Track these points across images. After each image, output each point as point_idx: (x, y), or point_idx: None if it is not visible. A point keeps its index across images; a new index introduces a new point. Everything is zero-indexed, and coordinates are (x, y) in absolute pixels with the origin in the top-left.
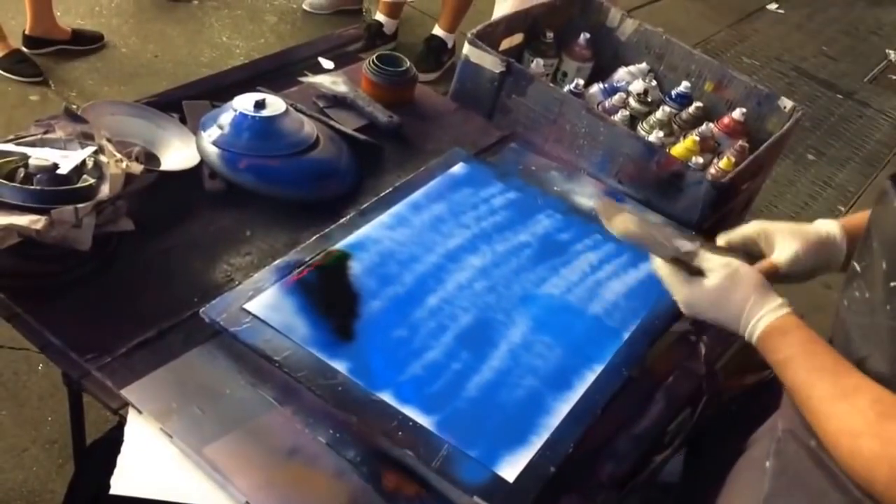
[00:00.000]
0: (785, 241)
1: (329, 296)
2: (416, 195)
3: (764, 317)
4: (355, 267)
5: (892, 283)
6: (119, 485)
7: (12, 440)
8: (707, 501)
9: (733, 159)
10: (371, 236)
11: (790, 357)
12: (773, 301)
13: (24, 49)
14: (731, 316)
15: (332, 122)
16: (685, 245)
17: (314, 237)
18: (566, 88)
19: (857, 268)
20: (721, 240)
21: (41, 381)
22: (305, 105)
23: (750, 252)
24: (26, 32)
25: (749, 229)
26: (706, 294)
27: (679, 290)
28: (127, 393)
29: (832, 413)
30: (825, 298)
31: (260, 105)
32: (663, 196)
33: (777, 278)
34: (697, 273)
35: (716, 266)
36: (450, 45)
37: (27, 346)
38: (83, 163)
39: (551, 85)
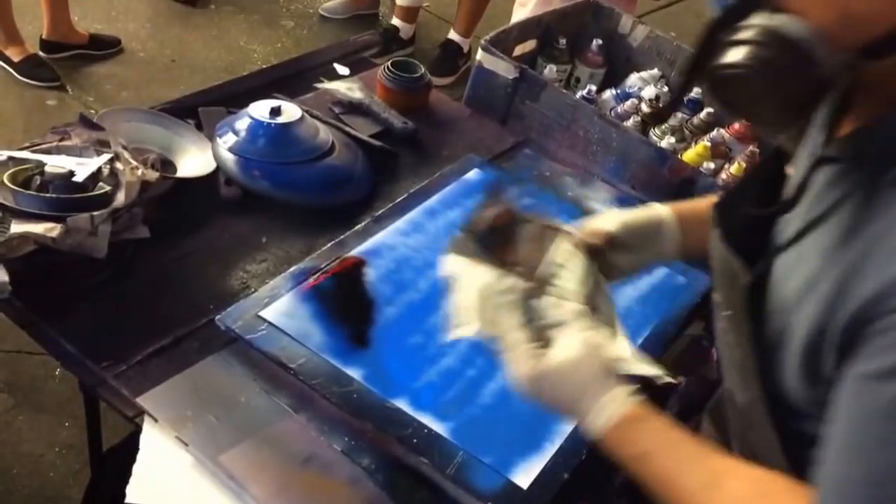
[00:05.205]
0: (611, 214)
1: (344, 303)
2: (431, 201)
3: (615, 401)
4: (370, 273)
5: (724, 313)
6: (135, 494)
7: (29, 445)
8: None
9: (744, 164)
10: (386, 242)
11: (652, 449)
12: (621, 386)
13: (42, 54)
14: (570, 398)
15: (347, 129)
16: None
17: (329, 244)
18: (579, 94)
19: (717, 299)
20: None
21: (59, 386)
22: (321, 111)
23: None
24: (44, 37)
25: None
26: (551, 370)
27: (522, 364)
28: (142, 401)
29: None
30: None
31: (275, 112)
32: (675, 201)
33: (613, 253)
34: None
35: (563, 334)
36: (465, 49)
37: (45, 352)
38: (99, 170)
39: (564, 91)
